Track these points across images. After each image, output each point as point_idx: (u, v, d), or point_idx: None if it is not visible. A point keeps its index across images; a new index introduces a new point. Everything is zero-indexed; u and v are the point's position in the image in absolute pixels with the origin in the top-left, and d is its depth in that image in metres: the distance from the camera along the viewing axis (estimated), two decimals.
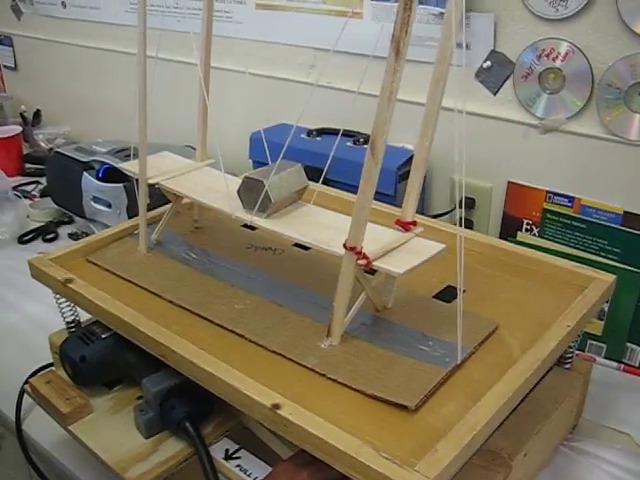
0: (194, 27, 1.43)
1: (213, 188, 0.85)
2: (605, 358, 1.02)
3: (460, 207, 1.14)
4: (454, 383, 0.66)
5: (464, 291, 0.81)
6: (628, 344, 1.01)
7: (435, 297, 0.80)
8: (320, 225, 0.76)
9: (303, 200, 0.82)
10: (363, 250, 0.66)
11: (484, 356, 0.70)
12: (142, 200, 0.87)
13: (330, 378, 0.66)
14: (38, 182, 1.74)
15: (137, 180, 0.88)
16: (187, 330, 0.74)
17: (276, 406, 0.61)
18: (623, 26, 0.92)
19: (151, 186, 0.88)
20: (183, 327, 0.74)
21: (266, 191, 0.76)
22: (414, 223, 0.74)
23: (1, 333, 1.13)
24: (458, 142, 0.60)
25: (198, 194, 0.85)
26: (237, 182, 0.82)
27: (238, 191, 0.79)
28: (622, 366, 1.01)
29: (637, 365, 1.01)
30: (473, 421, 0.59)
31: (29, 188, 1.70)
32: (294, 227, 0.76)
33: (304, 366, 0.68)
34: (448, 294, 0.81)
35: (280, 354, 0.70)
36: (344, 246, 0.67)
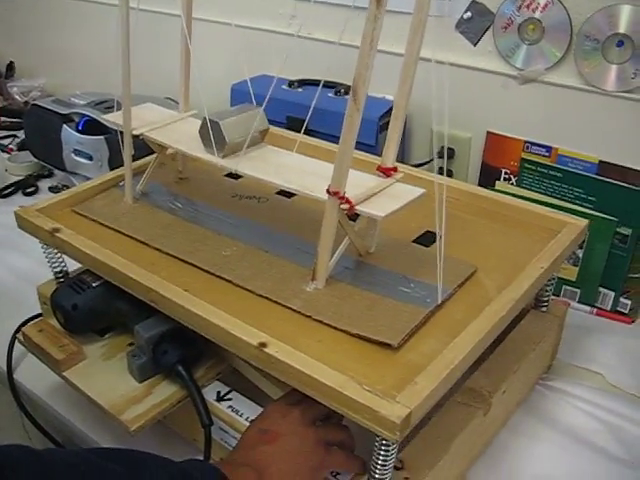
0: None
1: (197, 138, 0.85)
2: (579, 302, 1.06)
3: (441, 157, 1.16)
4: (434, 322, 0.69)
5: (441, 237, 0.84)
6: (601, 289, 1.04)
7: (414, 242, 0.83)
8: (303, 172, 0.77)
9: (284, 148, 0.83)
10: (346, 195, 0.68)
11: (462, 297, 0.73)
12: (127, 151, 0.88)
13: (316, 319, 0.69)
14: (15, 136, 1.71)
15: (121, 132, 0.88)
16: (175, 276, 0.75)
17: (263, 344, 0.63)
18: None
19: (135, 137, 0.88)
20: (171, 273, 0.76)
21: (220, 130, 0.78)
22: (395, 169, 0.76)
23: None
24: (437, 93, 0.62)
25: (183, 144, 0.85)
26: None
27: (199, 132, 0.81)
28: (595, 310, 1.05)
29: (609, 309, 1.05)
30: (450, 356, 0.62)
31: (6, 142, 1.68)
32: (278, 174, 0.77)
33: (290, 308, 0.70)
34: (427, 239, 0.83)
35: (267, 297, 0.72)
36: (327, 191, 0.68)
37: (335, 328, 0.68)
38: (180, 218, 0.87)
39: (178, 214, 0.88)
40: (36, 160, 1.49)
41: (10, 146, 1.66)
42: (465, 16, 1.08)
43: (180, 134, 0.88)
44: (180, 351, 0.74)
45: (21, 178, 1.49)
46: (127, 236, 0.84)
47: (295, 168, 0.79)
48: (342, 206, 0.68)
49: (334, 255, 0.72)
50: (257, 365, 0.65)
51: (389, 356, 0.65)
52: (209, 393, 0.75)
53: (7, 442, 1.05)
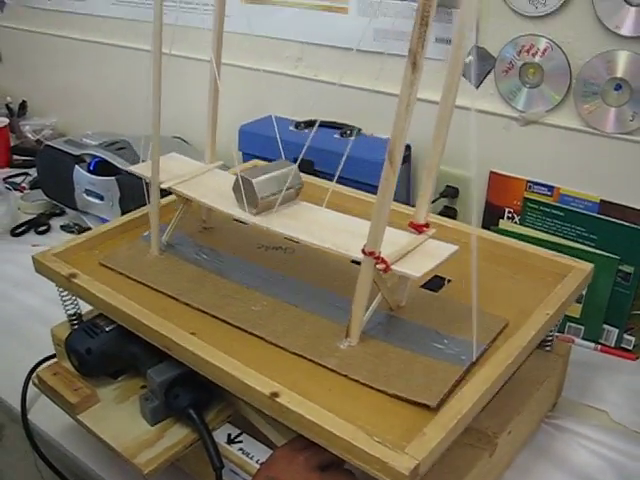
0: (188, 21, 1.46)
1: (226, 192, 0.85)
2: (583, 339, 1.07)
3: (445, 196, 1.19)
4: None
5: (449, 280, 0.85)
6: (605, 326, 1.06)
7: (423, 287, 0.84)
8: (336, 229, 0.77)
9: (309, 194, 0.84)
10: (381, 255, 0.68)
11: None
12: (154, 204, 0.88)
13: (352, 378, 0.68)
14: (27, 174, 1.75)
15: (147, 183, 0.88)
16: (188, 321, 0.77)
17: (275, 394, 0.64)
18: (599, 24, 0.96)
19: (163, 191, 0.88)
20: (184, 319, 0.77)
21: (253, 188, 0.78)
22: (427, 225, 0.76)
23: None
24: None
25: (211, 199, 0.85)
26: None
27: (233, 189, 0.82)
28: (599, 346, 1.06)
29: (613, 345, 1.06)
30: (458, 406, 0.62)
31: (18, 180, 1.72)
32: (312, 233, 0.77)
33: (325, 367, 0.70)
34: (435, 284, 0.84)
35: (301, 355, 0.72)
36: (363, 251, 0.68)
37: (371, 388, 0.67)
38: (207, 270, 0.87)
39: (204, 266, 0.88)
40: (48, 199, 1.52)
41: (23, 184, 1.69)
42: (467, 60, 1.10)
43: (207, 187, 0.88)
44: (192, 395, 0.75)
45: (33, 216, 1.51)
46: (155, 290, 0.83)
47: (328, 225, 0.78)
48: (378, 266, 0.68)
49: (367, 311, 0.72)
50: (269, 414, 0.66)
51: (397, 404, 0.66)
52: (220, 435, 0.76)
53: None
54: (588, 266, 0.85)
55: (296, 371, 0.70)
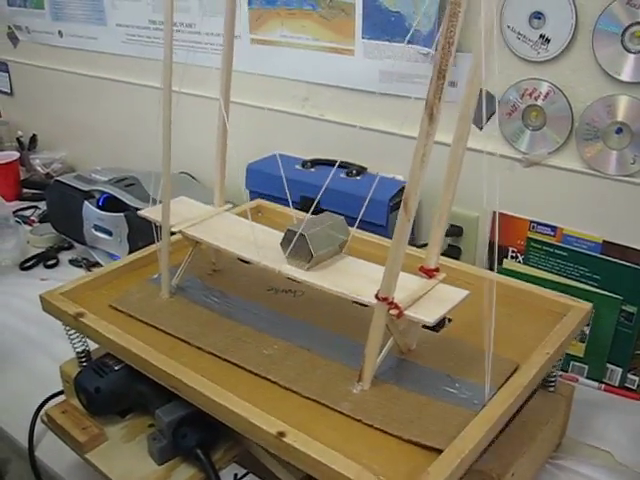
0: (196, 60, 1.49)
1: (236, 235, 0.87)
2: (587, 378, 1.08)
3: (449, 235, 1.20)
4: None
5: (450, 320, 0.87)
6: (608, 365, 1.06)
7: (424, 327, 0.84)
8: (348, 274, 0.79)
9: None
10: (394, 300, 0.69)
11: None
12: (164, 248, 0.88)
13: (366, 423, 0.69)
14: (36, 207, 1.77)
15: (158, 227, 0.89)
16: (195, 361, 0.78)
17: (281, 434, 0.65)
18: (599, 69, 0.98)
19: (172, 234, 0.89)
20: (191, 359, 0.79)
21: (308, 245, 0.78)
22: (437, 270, 0.77)
23: (6, 359, 1.17)
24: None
25: (223, 242, 0.86)
26: (262, 229, 0.86)
27: (281, 243, 0.81)
28: (603, 386, 1.07)
29: (617, 385, 1.06)
30: (461, 445, 0.63)
31: (27, 213, 1.74)
32: (325, 277, 0.78)
33: (339, 412, 0.71)
34: (437, 324, 0.85)
35: (315, 400, 0.72)
36: (376, 297, 0.69)
37: (386, 433, 0.68)
38: (217, 314, 0.88)
39: (214, 309, 0.89)
40: (57, 233, 1.54)
41: (32, 217, 1.71)
42: None
43: (218, 230, 0.89)
44: (199, 435, 0.76)
45: (42, 250, 1.53)
46: (166, 333, 0.84)
47: (340, 269, 0.80)
48: (391, 311, 0.69)
49: (379, 356, 0.73)
50: (276, 453, 0.67)
51: (401, 444, 0.67)
52: (226, 476, 0.77)
53: None
54: (587, 305, 0.86)
55: (302, 412, 0.71)
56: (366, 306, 0.79)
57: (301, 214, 1.06)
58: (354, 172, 1.24)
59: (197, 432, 0.77)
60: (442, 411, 0.70)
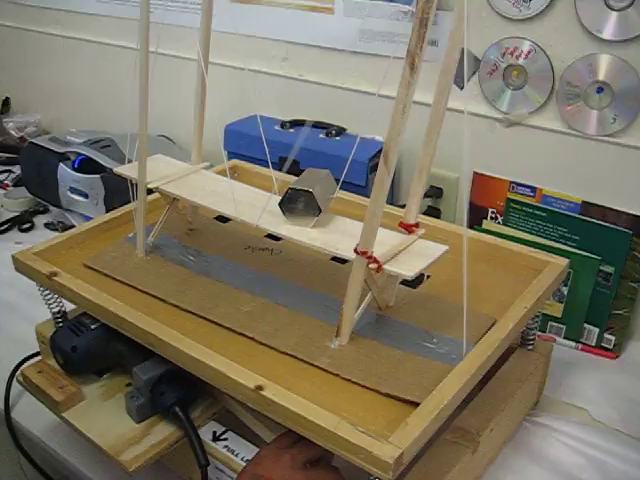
0: (174, 19, 1.45)
1: (214, 191, 0.86)
2: (564, 338, 1.09)
3: (428, 196, 1.20)
4: None
5: (428, 276, 0.87)
6: (585, 325, 1.07)
7: (402, 283, 0.83)
8: (326, 229, 0.78)
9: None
10: (373, 254, 0.69)
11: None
12: (141, 205, 0.87)
13: (344, 378, 0.69)
14: (10, 171, 1.73)
15: (133, 183, 0.87)
16: (172, 319, 0.77)
17: (259, 387, 0.65)
18: (581, 28, 0.97)
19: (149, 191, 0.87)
20: (167, 316, 0.78)
21: (315, 201, 0.77)
22: (417, 225, 0.77)
23: None
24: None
25: (200, 198, 0.85)
26: (241, 187, 0.85)
27: (280, 203, 0.79)
28: (580, 345, 1.08)
29: (594, 344, 1.07)
30: (439, 397, 0.64)
31: (1, 177, 1.70)
32: (302, 232, 0.77)
33: (317, 366, 0.71)
34: (415, 280, 0.85)
35: (292, 355, 0.72)
36: (355, 251, 0.69)
37: (364, 387, 0.68)
38: (194, 272, 0.87)
39: (191, 267, 0.88)
40: (32, 196, 1.51)
41: (6, 182, 1.68)
42: None
43: (195, 187, 0.88)
44: (177, 393, 0.76)
45: (17, 214, 1.50)
46: (142, 291, 0.83)
47: (320, 226, 0.79)
48: (370, 266, 0.69)
49: (357, 311, 0.73)
50: (254, 407, 0.67)
51: (380, 397, 0.67)
52: (205, 433, 0.77)
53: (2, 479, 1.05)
54: (564, 260, 0.87)
55: (280, 366, 0.71)
56: (344, 263, 0.79)
57: (279, 174, 1.05)
58: (333, 132, 1.22)
59: (175, 390, 0.76)
60: (420, 365, 0.71)
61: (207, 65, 0.89)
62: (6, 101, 2.01)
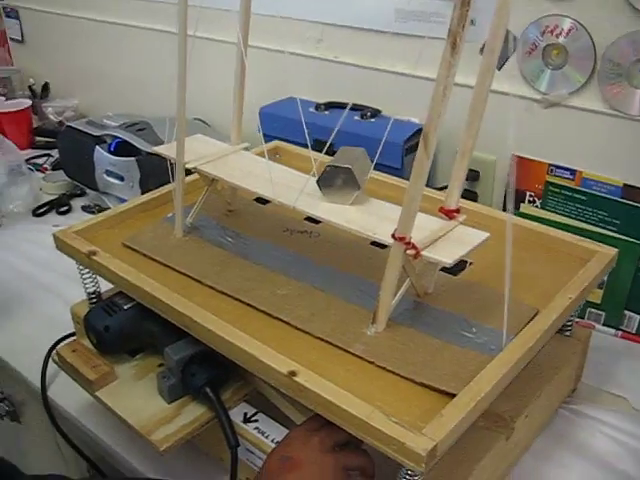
0: (211, 2, 1.45)
1: (252, 173, 0.85)
2: (604, 325, 1.06)
3: (466, 179, 1.17)
4: None
5: (471, 263, 0.85)
6: (626, 311, 1.05)
7: (443, 270, 0.81)
8: (364, 212, 0.76)
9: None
10: (412, 240, 0.67)
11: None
12: (179, 185, 0.87)
13: (379, 365, 0.68)
14: (49, 155, 1.76)
15: (172, 163, 0.87)
16: (207, 300, 0.77)
17: (293, 373, 0.64)
18: (625, 3, 0.94)
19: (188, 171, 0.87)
20: (203, 297, 0.78)
21: (354, 178, 0.76)
22: (457, 211, 0.75)
23: (20, 304, 1.17)
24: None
25: (238, 179, 0.84)
26: (280, 168, 0.85)
27: (318, 181, 0.79)
28: (620, 333, 1.05)
29: (634, 332, 1.05)
30: (477, 388, 0.62)
31: (40, 161, 1.73)
32: (340, 214, 0.76)
33: (352, 353, 0.69)
34: (456, 267, 0.83)
35: (327, 341, 0.71)
36: (393, 236, 0.67)
37: (399, 375, 0.67)
38: (231, 253, 0.86)
39: (229, 249, 0.87)
40: (69, 179, 1.53)
41: (45, 165, 1.70)
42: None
43: (234, 168, 0.87)
44: (208, 374, 0.76)
45: (55, 197, 1.53)
46: (179, 272, 0.83)
47: (356, 208, 0.77)
48: (408, 251, 0.67)
49: (395, 297, 0.71)
50: (286, 393, 0.66)
51: (414, 386, 0.66)
52: (236, 414, 0.77)
53: (40, 458, 1.08)
54: (612, 250, 0.84)
55: (314, 352, 0.70)
56: (384, 247, 0.77)
57: (319, 156, 1.04)
58: (368, 114, 1.21)
59: (207, 371, 0.76)
60: (457, 355, 0.69)
61: (246, 47, 0.88)
62: (45, 86, 2.03)
